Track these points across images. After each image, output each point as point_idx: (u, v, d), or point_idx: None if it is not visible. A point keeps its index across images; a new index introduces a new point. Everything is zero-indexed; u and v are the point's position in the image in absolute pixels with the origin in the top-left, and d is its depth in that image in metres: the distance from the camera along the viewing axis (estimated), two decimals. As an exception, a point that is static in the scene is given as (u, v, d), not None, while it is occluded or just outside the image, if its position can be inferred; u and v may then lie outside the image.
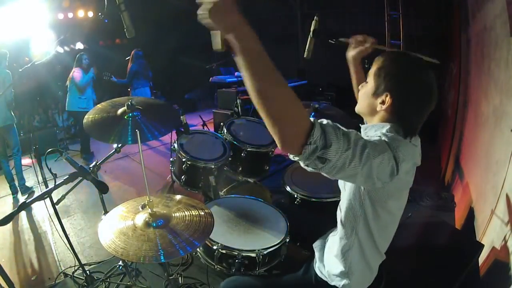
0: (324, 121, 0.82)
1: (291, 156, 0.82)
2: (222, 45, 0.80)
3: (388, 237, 1.17)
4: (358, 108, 1.16)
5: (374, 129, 1.07)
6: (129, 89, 5.19)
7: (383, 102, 1.04)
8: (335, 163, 0.80)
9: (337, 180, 1.12)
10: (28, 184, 3.78)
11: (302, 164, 0.82)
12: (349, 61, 1.52)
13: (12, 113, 3.53)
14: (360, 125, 1.14)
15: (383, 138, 0.96)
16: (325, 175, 0.85)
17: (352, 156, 0.82)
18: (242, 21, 0.73)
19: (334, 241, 1.23)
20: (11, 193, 3.69)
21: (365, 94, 1.12)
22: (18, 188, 3.65)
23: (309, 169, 0.83)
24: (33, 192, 3.75)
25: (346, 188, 1.13)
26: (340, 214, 1.17)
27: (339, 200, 1.20)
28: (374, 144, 0.89)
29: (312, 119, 0.80)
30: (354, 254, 1.14)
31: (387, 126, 1.03)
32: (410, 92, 1.01)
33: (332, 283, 1.23)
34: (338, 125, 0.84)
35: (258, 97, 0.74)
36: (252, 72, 0.73)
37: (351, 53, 1.49)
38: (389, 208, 1.08)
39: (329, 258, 1.25)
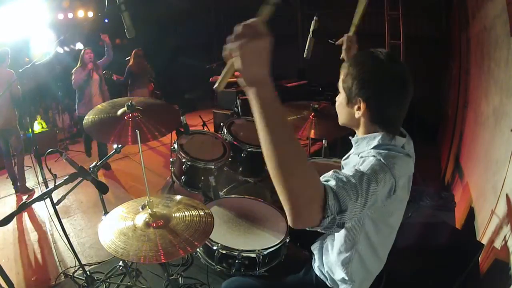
0: (333, 182, 0.77)
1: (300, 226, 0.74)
2: (223, 85, 0.74)
3: (389, 245, 1.16)
4: (341, 121, 1.13)
5: (365, 142, 1.04)
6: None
7: (359, 109, 1.01)
8: (350, 217, 0.78)
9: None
10: (28, 184, 3.78)
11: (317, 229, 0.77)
12: None
13: (16, 112, 3.53)
14: (350, 138, 1.11)
15: (378, 157, 0.92)
16: None
17: (361, 200, 0.80)
18: (268, 79, 0.67)
19: (333, 247, 1.23)
20: (13, 192, 3.70)
21: (340, 105, 1.09)
22: (20, 190, 3.66)
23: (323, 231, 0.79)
24: (34, 192, 3.75)
25: None
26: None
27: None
28: (374, 171, 0.86)
29: (322, 185, 0.73)
30: (354, 265, 1.14)
31: (378, 136, 1.00)
32: (380, 89, 0.97)
33: (332, 285, 1.23)
34: (342, 175, 0.80)
35: (276, 167, 0.68)
36: (270, 140, 0.67)
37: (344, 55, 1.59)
38: (390, 223, 1.08)
39: (329, 260, 1.25)
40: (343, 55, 1.61)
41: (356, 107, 1.02)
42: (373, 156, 0.93)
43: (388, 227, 1.08)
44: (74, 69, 4.03)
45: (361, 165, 0.89)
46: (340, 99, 1.09)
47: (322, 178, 0.79)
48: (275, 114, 0.68)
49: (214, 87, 0.75)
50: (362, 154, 0.98)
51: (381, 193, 0.87)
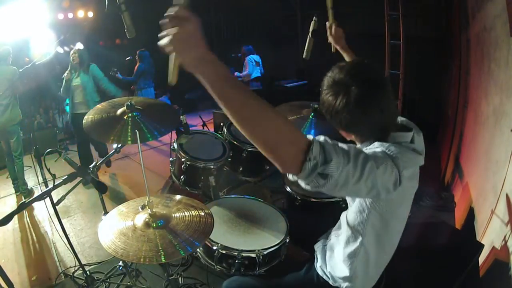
0: (322, 138, 0.80)
1: (290, 177, 0.79)
2: (175, 78, 0.76)
3: (397, 239, 1.17)
4: None
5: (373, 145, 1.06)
6: (132, 87, 5.22)
7: (348, 136, 1.06)
8: (338, 179, 0.78)
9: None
10: (28, 184, 3.77)
11: (303, 184, 0.80)
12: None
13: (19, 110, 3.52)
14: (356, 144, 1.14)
15: (382, 148, 0.95)
16: (327, 193, 0.82)
17: (354, 170, 0.80)
18: (208, 56, 0.70)
19: (339, 243, 1.23)
20: (13, 192, 3.68)
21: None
22: (20, 191, 3.64)
23: (309, 187, 0.80)
24: (33, 194, 3.74)
25: (353, 200, 1.13)
26: (346, 220, 1.17)
27: (339, 200, 1.20)
28: (375, 155, 0.88)
29: (310, 136, 0.78)
30: (359, 261, 1.14)
31: (385, 144, 1.00)
32: (338, 112, 0.96)
33: (335, 284, 1.23)
34: (337, 142, 0.83)
35: (244, 128, 0.73)
36: (229, 107, 0.72)
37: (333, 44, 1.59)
38: (398, 215, 1.08)
39: (332, 259, 1.25)
40: (333, 46, 1.61)
41: (343, 134, 1.06)
42: (377, 147, 0.95)
43: (396, 220, 1.09)
44: (65, 73, 3.77)
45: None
46: None
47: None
48: (226, 86, 0.71)
49: (168, 82, 0.78)
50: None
51: (382, 180, 0.86)
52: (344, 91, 0.95)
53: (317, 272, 1.31)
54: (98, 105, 1.90)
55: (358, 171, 0.81)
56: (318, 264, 1.31)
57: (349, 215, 1.14)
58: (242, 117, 0.73)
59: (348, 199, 1.19)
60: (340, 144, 0.83)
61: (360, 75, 0.96)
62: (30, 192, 3.69)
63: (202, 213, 1.46)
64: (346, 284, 1.20)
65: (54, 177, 1.60)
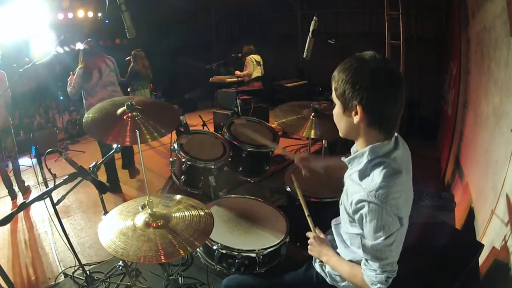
0: (373, 275, 1.05)
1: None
2: None
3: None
4: (341, 133, 1.12)
5: (357, 160, 1.06)
6: (129, 89, 5.18)
7: (356, 114, 1.00)
8: (393, 264, 1.05)
9: (337, 180, 1.13)
10: (28, 184, 3.75)
11: None
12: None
13: (8, 114, 3.49)
14: (343, 159, 1.14)
15: (376, 202, 0.96)
16: None
17: (387, 245, 1.00)
18: (327, 254, 1.22)
19: (337, 244, 1.23)
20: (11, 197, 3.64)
21: (338, 116, 1.08)
22: (19, 189, 3.60)
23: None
24: (31, 190, 3.72)
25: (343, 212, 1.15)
26: (345, 231, 1.19)
27: (339, 200, 1.20)
28: (383, 223, 0.97)
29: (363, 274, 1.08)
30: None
31: (366, 151, 1.02)
32: (373, 88, 0.96)
33: (332, 283, 1.24)
34: (371, 255, 1.03)
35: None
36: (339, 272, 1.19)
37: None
38: None
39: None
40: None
41: (353, 113, 1.01)
42: (369, 202, 0.97)
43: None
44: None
45: (371, 222, 0.99)
46: (336, 110, 1.08)
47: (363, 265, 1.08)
48: (334, 265, 1.20)
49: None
50: (360, 196, 0.99)
51: (395, 231, 0.99)
52: (372, 64, 0.97)
53: (316, 271, 1.31)
54: (98, 105, 1.89)
55: (391, 240, 0.99)
56: (317, 263, 1.32)
57: (347, 227, 1.16)
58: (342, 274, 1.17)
59: (342, 211, 1.19)
60: (372, 254, 1.03)
61: (389, 66, 0.99)
62: (27, 189, 3.66)
63: (202, 213, 1.46)
64: (344, 283, 1.20)
65: (54, 177, 1.59)
